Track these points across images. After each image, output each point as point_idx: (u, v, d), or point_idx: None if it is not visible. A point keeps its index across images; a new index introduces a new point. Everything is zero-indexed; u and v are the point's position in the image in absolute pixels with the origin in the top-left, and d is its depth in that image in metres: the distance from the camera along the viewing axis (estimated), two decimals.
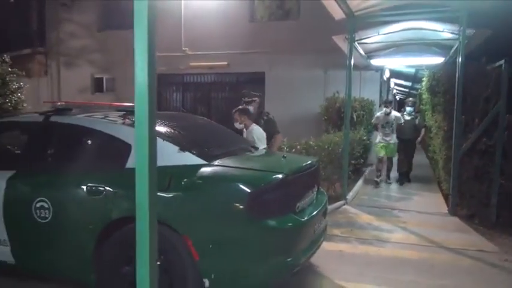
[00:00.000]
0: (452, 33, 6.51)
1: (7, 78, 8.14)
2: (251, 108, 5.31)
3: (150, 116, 1.75)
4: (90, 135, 3.34)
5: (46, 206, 3.11)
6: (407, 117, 8.46)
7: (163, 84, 13.41)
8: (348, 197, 6.82)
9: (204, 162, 3.03)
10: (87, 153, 3.38)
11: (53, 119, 3.44)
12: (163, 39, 12.88)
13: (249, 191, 2.79)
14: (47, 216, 3.12)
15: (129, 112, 3.60)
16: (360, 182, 8.29)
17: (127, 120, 3.34)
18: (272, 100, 12.06)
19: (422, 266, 4.24)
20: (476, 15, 5.92)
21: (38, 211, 3.13)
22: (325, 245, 3.89)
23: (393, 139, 8.12)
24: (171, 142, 3.12)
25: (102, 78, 13.89)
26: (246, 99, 5.45)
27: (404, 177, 8.64)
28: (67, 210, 3.11)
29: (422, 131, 8.72)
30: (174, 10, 12.41)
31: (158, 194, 2.77)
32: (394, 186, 8.49)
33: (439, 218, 6.02)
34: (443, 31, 6.57)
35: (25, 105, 8.61)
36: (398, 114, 8.44)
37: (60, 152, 3.38)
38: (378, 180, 8.23)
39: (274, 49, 11.64)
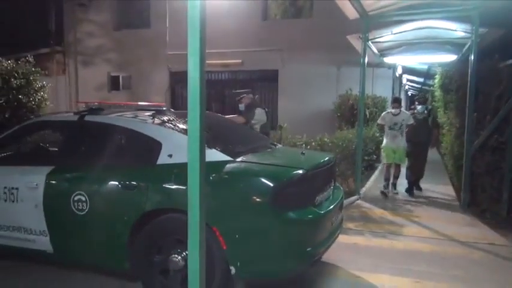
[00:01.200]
0: (465, 31, 6.63)
1: (31, 78, 8.46)
2: (242, 105, 5.91)
3: (201, 113, 1.87)
4: (122, 133, 3.58)
5: (83, 199, 3.36)
6: (420, 117, 7.36)
7: (178, 81, 13.70)
8: (361, 192, 7.01)
9: (229, 158, 3.25)
10: (120, 150, 3.63)
11: (87, 118, 3.70)
12: (179, 38, 13.14)
13: (272, 185, 3.00)
14: (84, 208, 3.37)
15: (158, 112, 3.86)
16: (373, 178, 8.46)
17: (156, 119, 3.57)
18: (285, 97, 12.29)
19: (435, 258, 4.42)
20: (489, 14, 6.03)
21: (75, 204, 3.38)
22: (340, 238, 4.08)
23: (402, 142, 6.99)
24: None
25: (118, 77, 14.24)
26: (236, 97, 6.02)
27: (415, 186, 7.47)
28: (103, 203, 3.35)
29: (434, 131, 7.71)
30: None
31: None
32: (406, 180, 8.60)
33: (451, 213, 6.17)
34: (456, 30, 6.69)
35: (48, 103, 8.95)
36: (408, 113, 7.30)
37: (94, 149, 3.62)
38: (386, 191, 7.14)
39: (287, 47, 11.83)
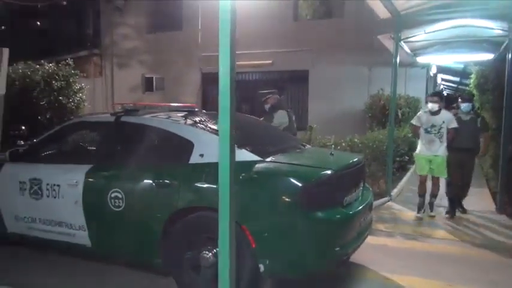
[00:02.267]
0: (502, 30, 6.42)
1: (71, 80, 8.89)
2: (268, 105, 5.98)
3: (231, 113, 1.93)
4: (156, 133, 3.72)
5: (120, 196, 3.52)
6: (465, 117, 5.83)
7: (209, 83, 13.91)
8: (392, 193, 6.92)
9: (259, 158, 3.32)
10: (155, 150, 3.77)
11: (123, 119, 3.86)
12: (211, 40, 13.35)
13: (301, 185, 3.05)
14: (120, 205, 3.52)
15: (190, 112, 3.98)
16: (404, 179, 8.32)
17: (188, 120, 3.69)
18: (315, 97, 12.26)
19: (468, 262, 4.33)
20: None
21: (112, 200, 3.54)
22: (370, 239, 4.07)
23: (442, 150, 5.59)
24: None
25: (152, 78, 14.61)
26: (263, 99, 5.98)
27: (457, 205, 6.04)
28: (138, 200, 3.49)
29: (485, 136, 6.05)
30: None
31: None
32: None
33: (487, 216, 6.00)
34: (493, 28, 6.49)
35: (86, 104, 9.36)
36: (450, 114, 5.75)
37: (130, 149, 3.77)
38: (420, 214, 5.82)
39: (317, 47, 11.79)
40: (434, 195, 5.90)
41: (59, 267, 4.06)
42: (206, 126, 3.61)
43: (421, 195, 5.90)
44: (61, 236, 3.88)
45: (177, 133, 3.55)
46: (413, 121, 5.92)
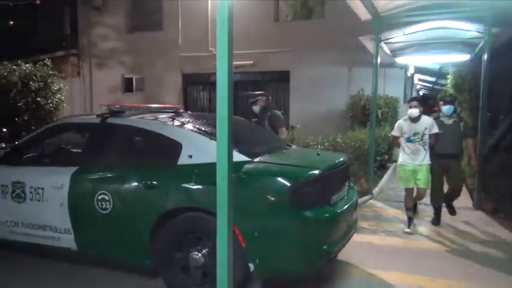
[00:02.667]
0: (477, 31, 6.65)
1: (49, 80, 8.69)
2: (256, 107, 5.78)
3: (229, 115, 1.93)
4: (144, 135, 3.71)
5: (107, 198, 3.49)
6: (447, 121, 5.45)
7: (190, 83, 13.88)
8: (374, 191, 7.07)
9: (248, 159, 3.35)
10: (142, 151, 3.76)
11: (110, 120, 3.83)
12: (191, 41, 13.37)
13: (289, 184, 3.10)
14: (107, 207, 3.49)
15: (176, 113, 3.98)
16: (385, 178, 8.49)
17: (176, 121, 3.69)
18: (297, 98, 12.37)
19: (448, 256, 4.47)
20: (502, 14, 6.04)
21: (99, 203, 3.51)
22: (354, 237, 4.14)
23: (427, 159, 5.19)
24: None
25: (132, 79, 14.47)
26: (251, 99, 5.82)
27: (448, 207, 5.71)
28: (125, 202, 3.47)
29: (469, 143, 5.63)
30: (201, 12, 12.79)
31: (209, 187, 3.13)
32: None
33: (465, 212, 6.18)
34: (469, 30, 6.71)
35: (65, 105, 9.17)
36: (430, 119, 5.32)
37: (117, 150, 3.75)
38: (408, 229, 5.26)
39: (299, 48, 11.90)
40: (417, 200, 5.58)
41: (43, 270, 3.99)
42: (194, 127, 3.62)
43: (409, 208, 5.37)
44: (45, 239, 3.81)
45: (165, 134, 3.55)
46: (394, 132, 5.44)
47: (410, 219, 5.34)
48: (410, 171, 5.23)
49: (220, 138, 1.97)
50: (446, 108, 5.46)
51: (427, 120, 5.24)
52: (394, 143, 6.04)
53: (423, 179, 5.20)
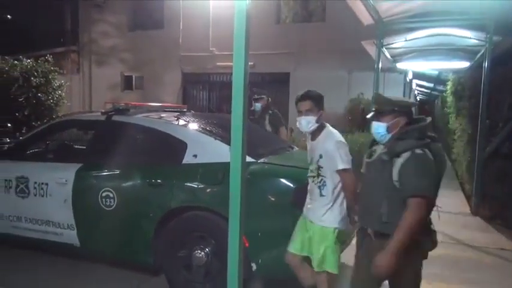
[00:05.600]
0: (478, 39, 6.71)
1: (50, 76, 8.69)
2: (259, 104, 5.70)
3: (244, 116, 1.92)
4: (149, 133, 3.72)
5: (111, 195, 3.51)
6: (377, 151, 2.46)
7: (190, 82, 13.89)
8: None
9: (252, 160, 3.37)
10: (147, 150, 3.77)
11: (115, 118, 3.85)
12: (192, 40, 13.40)
13: (294, 186, 3.14)
14: (111, 204, 3.52)
15: (181, 113, 4.01)
16: None
17: (181, 120, 3.72)
18: None
19: (446, 261, 4.50)
20: (504, 23, 6.11)
21: (103, 200, 3.53)
22: (354, 241, 4.20)
23: (325, 216, 2.82)
24: (222, 141, 3.47)
25: (131, 77, 14.47)
26: (255, 96, 5.78)
27: None
28: (130, 200, 3.50)
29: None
30: (203, 11, 12.82)
31: (213, 187, 3.17)
32: None
33: (462, 218, 6.25)
34: (470, 38, 6.77)
35: (65, 101, 9.17)
36: (334, 137, 2.83)
37: (121, 148, 3.76)
38: None
39: (299, 50, 11.95)
40: None
41: (44, 266, 4.00)
42: (199, 127, 3.65)
43: None
44: (48, 235, 3.83)
45: (171, 133, 3.57)
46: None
47: None
48: (301, 225, 2.95)
49: (235, 141, 1.99)
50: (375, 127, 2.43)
51: (327, 140, 2.81)
52: None
53: (316, 251, 2.82)
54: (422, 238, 2.33)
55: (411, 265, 2.37)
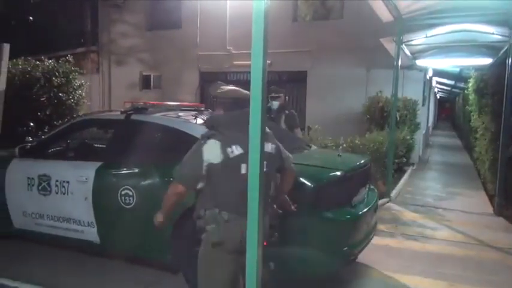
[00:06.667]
0: (501, 35, 6.54)
1: (70, 76, 8.84)
2: (276, 103, 5.62)
3: (262, 114, 1.93)
4: (167, 132, 3.75)
5: (130, 193, 3.55)
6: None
7: (208, 81, 13.90)
8: (391, 194, 7.01)
9: None
10: (165, 148, 3.80)
11: (134, 117, 3.89)
12: (209, 39, 13.44)
13: (312, 185, 3.11)
14: (130, 202, 3.56)
15: (199, 112, 4.02)
16: (402, 181, 8.43)
17: (199, 119, 3.73)
18: (314, 98, 12.32)
19: (469, 263, 4.42)
20: None
21: (123, 198, 3.57)
22: (373, 239, 4.15)
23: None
24: None
25: (150, 76, 14.60)
26: (273, 94, 5.72)
27: None
28: (148, 198, 3.53)
29: None
30: (220, 10, 12.84)
31: None
32: (436, 184, 8.49)
33: (485, 218, 6.11)
34: (493, 33, 6.60)
35: (85, 101, 9.32)
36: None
37: (141, 146, 3.80)
38: None
39: (316, 48, 11.85)
40: None
41: (62, 262, 4.07)
42: None
43: None
44: (69, 232, 3.90)
45: (189, 132, 3.58)
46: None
47: None
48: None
49: (253, 140, 1.98)
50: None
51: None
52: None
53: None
54: None
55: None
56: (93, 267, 3.99)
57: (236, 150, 2.33)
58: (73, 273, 3.82)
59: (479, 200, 7.30)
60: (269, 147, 2.51)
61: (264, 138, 2.01)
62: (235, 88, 2.70)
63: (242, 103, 2.43)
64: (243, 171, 2.27)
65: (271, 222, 2.60)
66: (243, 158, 2.23)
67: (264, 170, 2.11)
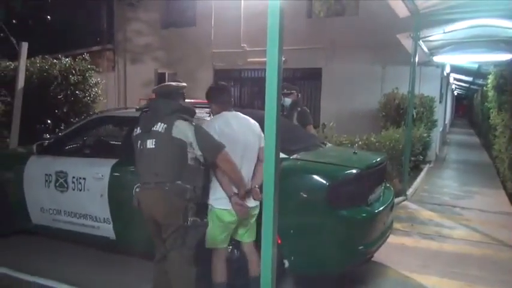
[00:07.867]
0: None
1: (87, 74, 8.95)
2: (288, 99, 5.56)
3: (277, 110, 1.94)
4: None
5: None
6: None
7: (222, 79, 13.92)
8: (408, 193, 6.92)
9: (285, 156, 3.34)
10: None
11: None
12: (223, 37, 13.45)
13: (328, 183, 3.08)
14: None
15: None
16: (418, 179, 8.31)
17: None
18: (328, 95, 12.23)
19: (486, 262, 4.33)
20: None
21: None
22: (388, 238, 4.10)
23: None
24: None
25: (164, 73, 14.69)
26: (285, 91, 5.64)
27: None
28: None
29: None
30: (234, 8, 12.83)
31: None
32: (453, 183, 8.37)
33: (503, 217, 5.99)
34: None
35: (101, 98, 9.43)
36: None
37: None
38: None
39: (331, 45, 11.75)
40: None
41: (79, 257, 4.14)
42: None
43: (219, 283, 3.07)
44: (85, 228, 3.95)
45: None
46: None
47: None
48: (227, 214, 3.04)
49: (268, 137, 1.96)
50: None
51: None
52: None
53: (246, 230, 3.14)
54: None
55: None
56: (106, 261, 4.04)
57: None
58: (87, 266, 3.87)
59: (498, 199, 7.15)
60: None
61: (279, 135, 2.00)
62: (165, 84, 3.61)
63: (164, 95, 3.34)
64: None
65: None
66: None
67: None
